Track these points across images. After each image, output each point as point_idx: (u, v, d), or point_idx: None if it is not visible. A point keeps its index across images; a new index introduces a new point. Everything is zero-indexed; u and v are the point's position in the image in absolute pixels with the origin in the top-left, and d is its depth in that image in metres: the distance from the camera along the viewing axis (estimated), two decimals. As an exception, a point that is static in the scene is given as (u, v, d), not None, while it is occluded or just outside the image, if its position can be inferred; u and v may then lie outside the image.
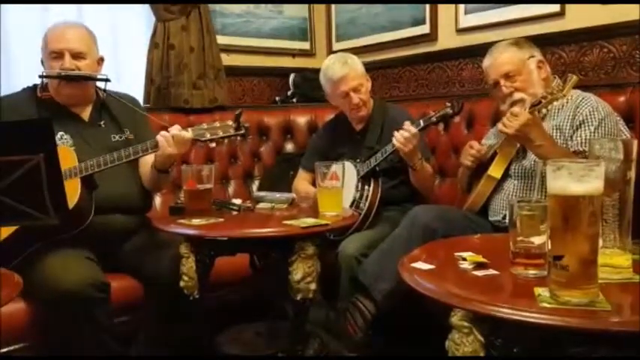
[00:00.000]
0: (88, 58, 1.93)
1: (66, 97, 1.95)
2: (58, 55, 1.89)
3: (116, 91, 2.08)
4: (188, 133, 1.82)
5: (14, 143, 1.13)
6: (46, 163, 1.13)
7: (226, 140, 1.92)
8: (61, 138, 1.88)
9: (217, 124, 1.86)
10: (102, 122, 2.01)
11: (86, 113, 2.01)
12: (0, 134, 1.15)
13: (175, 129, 1.82)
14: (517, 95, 1.89)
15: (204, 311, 1.88)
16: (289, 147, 3.01)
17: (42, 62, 1.95)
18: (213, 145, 1.87)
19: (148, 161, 1.95)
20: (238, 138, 1.88)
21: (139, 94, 2.77)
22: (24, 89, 2.01)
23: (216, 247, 1.78)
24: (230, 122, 1.84)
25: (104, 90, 2.00)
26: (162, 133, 1.81)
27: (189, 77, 2.81)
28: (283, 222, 1.75)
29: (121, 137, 2.01)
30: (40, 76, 1.92)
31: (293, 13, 3.42)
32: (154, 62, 2.79)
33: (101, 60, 2.03)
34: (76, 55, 1.90)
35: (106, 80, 1.95)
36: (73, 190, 1.70)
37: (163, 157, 1.84)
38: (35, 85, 1.99)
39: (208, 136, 1.84)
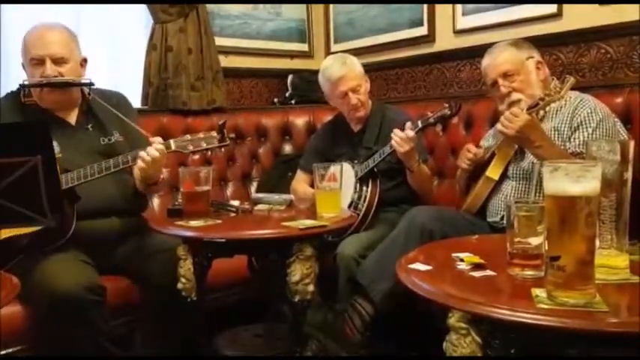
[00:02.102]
0: (70, 62, 1.87)
1: (50, 102, 1.90)
2: (39, 61, 1.82)
3: (103, 90, 2.02)
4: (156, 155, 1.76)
5: (11, 145, 1.12)
6: (43, 165, 1.13)
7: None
8: None
9: (201, 135, 1.83)
10: (89, 125, 1.96)
11: (72, 117, 1.96)
12: (-3, 136, 1.15)
13: (157, 140, 1.79)
14: (515, 96, 1.89)
15: (202, 313, 1.87)
16: (287, 148, 3.02)
17: (23, 66, 1.89)
18: (197, 156, 1.84)
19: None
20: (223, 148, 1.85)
21: (137, 96, 2.78)
22: (6, 95, 1.96)
23: (214, 248, 1.78)
24: (214, 133, 1.81)
25: (89, 92, 1.95)
26: (141, 154, 1.76)
27: (187, 79, 2.80)
28: (281, 223, 1.75)
29: (110, 140, 1.96)
30: (22, 85, 1.85)
31: (291, 14, 3.42)
32: (151, 64, 2.79)
33: (84, 61, 1.97)
34: (58, 61, 1.84)
35: (90, 85, 1.90)
36: None
37: (145, 174, 1.81)
38: (18, 91, 1.90)
39: (191, 148, 1.81)
